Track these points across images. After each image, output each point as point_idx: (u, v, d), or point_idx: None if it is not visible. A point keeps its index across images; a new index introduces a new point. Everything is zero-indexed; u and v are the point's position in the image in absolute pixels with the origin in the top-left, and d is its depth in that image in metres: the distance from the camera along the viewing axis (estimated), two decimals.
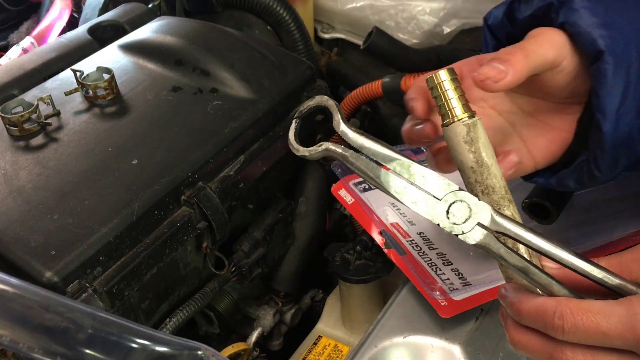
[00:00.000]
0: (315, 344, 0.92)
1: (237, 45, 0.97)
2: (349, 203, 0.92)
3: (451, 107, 0.54)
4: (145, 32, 1.01)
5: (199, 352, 0.51)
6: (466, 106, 0.54)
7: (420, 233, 0.86)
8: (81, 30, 1.09)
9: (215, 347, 0.96)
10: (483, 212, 0.49)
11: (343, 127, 0.50)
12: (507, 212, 0.54)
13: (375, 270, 0.86)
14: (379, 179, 0.50)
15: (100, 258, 0.70)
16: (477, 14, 1.23)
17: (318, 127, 1.00)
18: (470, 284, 0.78)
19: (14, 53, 1.28)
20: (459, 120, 0.54)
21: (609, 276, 0.47)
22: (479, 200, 0.49)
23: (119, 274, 0.72)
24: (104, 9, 1.31)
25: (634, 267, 0.48)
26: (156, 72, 0.93)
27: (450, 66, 0.58)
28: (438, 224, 0.50)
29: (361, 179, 0.96)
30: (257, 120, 0.89)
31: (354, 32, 1.31)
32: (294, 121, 0.51)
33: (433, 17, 1.22)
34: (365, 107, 1.30)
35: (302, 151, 0.51)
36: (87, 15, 1.34)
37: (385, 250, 0.84)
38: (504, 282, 0.77)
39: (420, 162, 0.95)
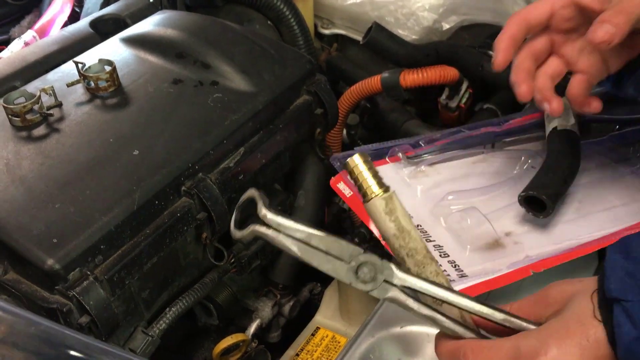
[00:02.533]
0: (313, 334, 0.93)
1: (237, 39, 0.98)
2: (348, 196, 0.93)
3: (368, 185, 0.60)
4: (147, 25, 1.02)
5: None
6: (381, 183, 0.61)
7: (418, 225, 0.87)
8: (83, 23, 1.10)
9: (214, 338, 0.98)
10: (387, 270, 0.57)
11: (264, 212, 0.55)
12: (430, 268, 0.60)
13: None
14: (293, 250, 0.56)
15: (102, 246, 0.71)
16: (476, 10, 1.25)
17: (317, 122, 1.01)
18: (467, 276, 0.79)
19: (16, 46, 1.29)
20: (376, 195, 0.60)
21: (508, 318, 0.56)
22: (404, 262, 0.59)
23: (119, 262, 0.73)
24: (105, 3, 1.31)
25: (531, 310, 0.58)
26: (157, 65, 0.94)
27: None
28: (350, 283, 0.57)
29: None
30: (256, 113, 0.90)
31: (354, 28, 1.32)
32: (234, 211, 0.58)
33: (432, 14, 1.23)
34: (365, 102, 1.31)
35: (237, 234, 0.57)
36: (88, 10, 1.35)
37: (383, 242, 0.84)
38: (500, 274, 0.79)
39: (418, 156, 0.94)
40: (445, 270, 0.79)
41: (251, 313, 1.01)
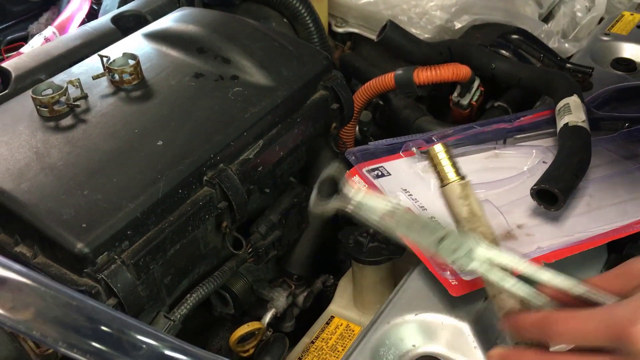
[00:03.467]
0: (327, 323, 0.95)
1: (256, 35, 1.01)
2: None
3: (447, 172, 0.69)
4: (168, 21, 1.05)
5: None
6: (458, 172, 0.69)
7: (431, 217, 0.89)
8: (104, 19, 1.13)
9: (229, 327, 1.00)
10: (469, 242, 0.61)
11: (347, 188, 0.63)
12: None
13: (388, 252, 0.90)
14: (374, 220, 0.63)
15: (128, 232, 0.74)
16: (488, 10, 1.27)
17: (333, 116, 1.03)
18: None
19: (36, 42, 1.32)
20: (453, 181, 0.69)
21: (591, 291, 0.57)
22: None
23: (145, 247, 0.75)
24: (123, 2, 1.34)
25: (613, 284, 0.57)
26: (179, 60, 0.96)
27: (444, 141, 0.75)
28: (435, 252, 0.62)
29: (375, 166, 0.99)
30: (275, 107, 0.92)
31: (367, 27, 1.34)
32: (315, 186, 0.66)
33: (445, 13, 1.26)
34: (377, 100, 1.33)
35: (319, 208, 0.65)
36: (107, 7, 1.38)
37: None
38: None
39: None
40: None
41: (266, 303, 1.03)
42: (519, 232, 0.86)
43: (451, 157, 0.70)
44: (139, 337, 0.54)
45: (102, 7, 1.40)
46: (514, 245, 0.84)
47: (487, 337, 0.77)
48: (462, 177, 0.69)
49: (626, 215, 0.88)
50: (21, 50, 1.29)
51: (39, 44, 1.32)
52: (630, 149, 1.01)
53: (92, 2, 1.50)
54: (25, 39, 1.56)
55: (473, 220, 0.67)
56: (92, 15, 1.50)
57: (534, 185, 0.85)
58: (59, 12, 1.51)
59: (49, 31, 1.35)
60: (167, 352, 0.54)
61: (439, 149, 0.70)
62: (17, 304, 0.55)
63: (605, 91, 1.12)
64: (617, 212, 0.89)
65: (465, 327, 0.78)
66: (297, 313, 1.08)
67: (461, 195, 0.68)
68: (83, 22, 1.44)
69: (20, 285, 0.56)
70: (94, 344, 0.53)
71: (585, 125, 0.95)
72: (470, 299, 0.80)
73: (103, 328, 0.55)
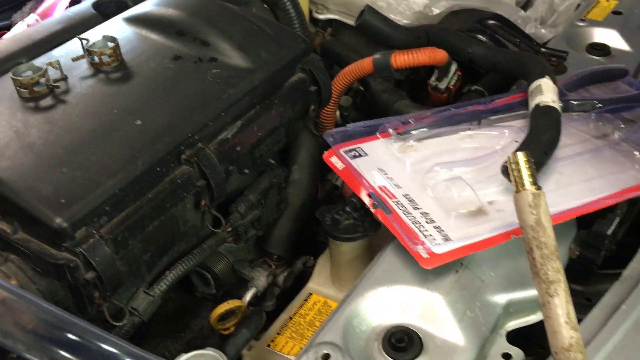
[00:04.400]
0: (306, 300, 0.97)
1: (235, 19, 1.02)
2: (340, 169, 0.97)
3: (523, 180, 0.72)
4: (148, 5, 1.07)
5: None
6: (534, 181, 0.72)
7: (406, 195, 0.91)
8: (86, 4, 1.14)
9: (211, 307, 1.02)
10: None
11: None
12: (553, 264, 0.68)
13: (364, 229, 0.92)
14: None
15: (106, 208, 0.76)
16: None
17: (311, 99, 1.05)
18: (451, 240, 0.83)
19: (19, 29, 1.33)
20: (526, 189, 0.71)
21: None
22: (531, 251, 0.69)
23: (123, 223, 0.77)
24: None
25: None
26: (158, 42, 0.98)
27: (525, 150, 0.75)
28: None
29: (352, 147, 1.01)
30: (253, 89, 0.94)
31: (348, 13, 1.36)
32: None
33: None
34: (358, 85, 1.35)
35: None
36: None
37: (373, 210, 0.89)
38: (482, 238, 0.83)
39: (407, 132, 0.98)
40: (430, 235, 0.84)
41: (247, 283, 1.05)
42: (490, 208, 0.88)
43: (531, 167, 0.73)
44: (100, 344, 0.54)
45: None
46: (485, 221, 0.86)
47: (457, 308, 0.80)
48: (538, 187, 0.72)
49: (594, 191, 0.91)
50: (3, 37, 1.30)
51: (21, 31, 1.33)
52: (601, 129, 1.04)
53: None
54: (9, 28, 1.57)
55: (538, 229, 0.70)
56: (74, 3, 1.51)
57: (504, 163, 0.87)
58: (42, 1, 1.52)
59: (31, 18, 1.37)
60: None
61: (520, 156, 0.73)
62: None
63: (578, 74, 1.14)
64: (586, 189, 0.91)
65: (436, 298, 0.80)
66: (278, 293, 1.10)
67: (531, 204, 0.70)
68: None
69: None
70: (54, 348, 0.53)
71: (556, 105, 0.97)
72: (442, 272, 0.82)
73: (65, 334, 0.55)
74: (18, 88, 0.86)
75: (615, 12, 1.42)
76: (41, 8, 1.42)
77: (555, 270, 0.69)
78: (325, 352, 0.74)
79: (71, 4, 1.49)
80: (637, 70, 1.29)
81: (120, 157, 0.79)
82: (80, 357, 0.53)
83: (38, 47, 1.02)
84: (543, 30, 1.33)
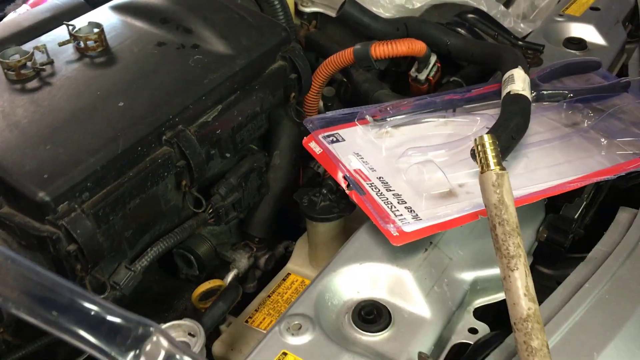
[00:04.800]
0: (284, 279, 1.00)
1: (218, 7, 1.06)
2: (318, 153, 1.01)
3: (488, 161, 0.76)
4: None
5: (151, 329, 0.53)
6: (498, 162, 0.75)
7: (379, 177, 0.94)
8: None
9: (194, 288, 1.06)
10: None
11: None
12: (514, 240, 0.72)
13: (339, 210, 0.95)
14: None
15: (88, 184, 0.79)
16: None
17: (291, 86, 1.09)
18: (421, 219, 0.87)
19: (9, 18, 1.36)
20: (491, 170, 0.75)
21: None
22: (494, 229, 0.73)
23: (104, 199, 0.80)
24: None
25: None
26: (143, 29, 1.01)
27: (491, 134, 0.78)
28: None
29: (330, 133, 1.05)
30: (234, 74, 0.97)
31: (331, 7, 1.39)
32: None
33: None
34: (341, 77, 1.39)
35: None
36: None
37: (347, 192, 0.92)
38: (450, 218, 0.87)
39: (384, 119, 1.02)
40: (401, 214, 0.87)
41: (229, 265, 1.09)
42: (460, 190, 0.92)
43: (496, 149, 0.76)
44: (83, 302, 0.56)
45: None
46: (454, 202, 0.90)
47: (425, 283, 0.83)
48: (501, 168, 0.76)
49: (561, 175, 0.94)
50: None
51: (12, 20, 1.36)
52: (571, 118, 1.08)
53: None
54: (1, 19, 1.60)
55: (500, 207, 0.73)
56: None
57: (473, 147, 0.90)
58: None
59: (23, 9, 1.39)
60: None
61: (486, 139, 0.76)
62: None
63: (551, 66, 1.18)
64: (553, 173, 0.95)
65: (405, 274, 0.83)
66: (259, 275, 1.13)
67: (495, 184, 0.74)
68: None
69: None
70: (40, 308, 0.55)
71: (526, 93, 1.01)
72: (412, 250, 0.86)
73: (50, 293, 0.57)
74: (5, 70, 0.89)
75: (593, 8, 1.46)
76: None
77: (516, 246, 0.72)
78: (297, 322, 0.77)
79: None
80: (612, 63, 1.33)
81: (102, 136, 0.82)
82: (69, 316, 0.55)
83: (27, 34, 1.05)
84: (522, 25, 1.37)
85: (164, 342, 0.51)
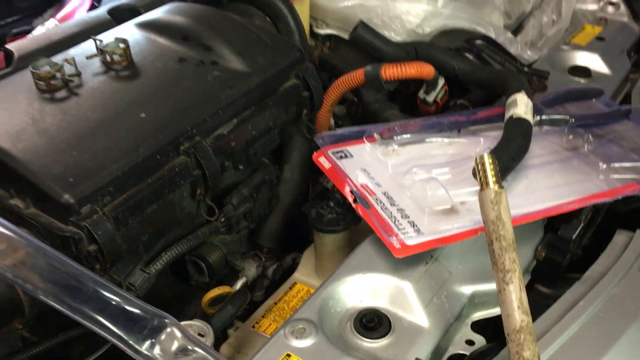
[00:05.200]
0: (291, 288, 1.05)
1: (236, 27, 1.12)
2: (327, 168, 1.05)
3: (487, 179, 0.79)
4: (158, 12, 1.16)
5: (166, 321, 0.58)
6: (497, 181, 0.79)
7: (385, 193, 0.99)
8: (101, 10, 1.24)
9: (204, 294, 1.10)
10: None
11: None
12: (510, 255, 0.76)
13: (345, 222, 1.00)
14: None
15: (110, 189, 0.84)
16: (454, 18, 1.38)
17: (304, 103, 1.14)
18: (423, 233, 0.91)
19: (38, 32, 1.43)
20: (489, 188, 0.79)
21: None
22: (491, 244, 0.77)
23: (124, 204, 0.85)
24: None
25: None
26: (165, 46, 1.07)
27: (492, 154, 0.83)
28: None
29: (339, 149, 1.10)
30: (249, 90, 1.03)
31: (345, 29, 1.45)
32: None
33: (415, 18, 1.37)
34: (352, 97, 1.44)
35: None
36: (107, 3, 1.49)
37: (354, 205, 0.97)
38: (450, 233, 0.91)
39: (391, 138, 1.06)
40: (404, 228, 0.92)
41: (238, 274, 1.13)
42: (462, 208, 0.96)
43: (495, 168, 0.80)
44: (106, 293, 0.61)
45: (103, 2, 1.51)
46: (455, 218, 0.94)
47: (425, 295, 0.87)
48: (500, 186, 0.79)
49: (560, 197, 0.98)
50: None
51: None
52: (572, 142, 1.12)
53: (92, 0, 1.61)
54: (29, 32, 1.67)
55: (498, 223, 0.77)
56: (93, 8, 1.61)
57: (474, 166, 0.95)
58: (61, 8, 1.63)
59: (51, 23, 1.47)
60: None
61: (486, 158, 0.81)
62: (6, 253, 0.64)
63: (555, 92, 1.22)
64: (552, 195, 0.99)
65: (406, 286, 0.88)
66: (267, 284, 1.17)
67: (494, 201, 0.78)
68: None
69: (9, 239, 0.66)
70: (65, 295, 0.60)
71: (528, 117, 1.05)
72: (413, 263, 0.90)
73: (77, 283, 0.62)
74: (36, 80, 0.95)
75: (599, 38, 1.51)
76: (61, 14, 1.52)
77: (511, 261, 0.76)
78: (302, 326, 0.81)
79: (90, 10, 1.60)
80: (616, 92, 1.38)
81: (124, 145, 0.88)
82: (92, 304, 0.60)
83: (56, 47, 1.11)
84: (529, 52, 1.42)
85: (178, 334, 0.56)
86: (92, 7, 1.61)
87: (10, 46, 1.10)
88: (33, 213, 0.84)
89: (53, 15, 1.69)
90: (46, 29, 1.45)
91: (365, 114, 1.35)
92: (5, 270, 0.67)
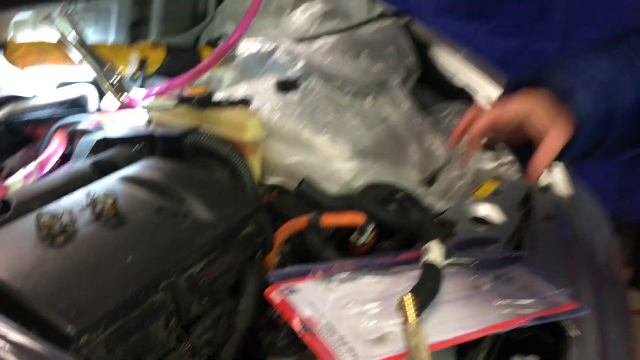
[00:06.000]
0: None
1: (205, 182, 1.36)
2: (277, 302, 1.26)
3: (407, 314, 1.05)
4: (137, 167, 1.39)
5: None
6: (416, 316, 1.06)
7: (327, 323, 1.20)
8: (85, 163, 1.46)
9: None
10: None
11: None
12: None
13: (295, 349, 1.20)
14: None
15: (104, 321, 1.01)
16: (379, 174, 1.69)
17: (258, 246, 1.36)
18: (360, 357, 1.12)
19: (19, 175, 1.62)
20: (410, 322, 1.05)
21: None
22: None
23: (114, 334, 1.02)
24: (94, 149, 1.67)
25: None
26: (144, 198, 1.29)
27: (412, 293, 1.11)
28: None
29: (288, 285, 1.31)
30: (215, 237, 1.25)
31: (291, 180, 1.72)
32: None
33: (348, 174, 1.66)
34: (296, 238, 1.68)
35: None
36: (79, 152, 1.70)
37: (300, 335, 1.17)
38: (384, 357, 1.12)
39: (332, 275, 1.30)
40: (344, 354, 1.12)
41: None
42: (390, 336, 1.17)
43: (414, 305, 1.07)
44: None
45: (75, 152, 1.72)
46: (385, 345, 1.15)
47: None
48: (419, 320, 1.04)
49: (466, 327, 1.22)
50: (8, 181, 1.58)
51: (21, 177, 1.62)
52: (475, 282, 1.38)
53: (65, 147, 1.82)
54: (0, 170, 1.84)
55: (416, 352, 1.02)
56: (64, 156, 1.80)
57: (398, 302, 1.19)
58: (36, 152, 1.82)
59: (30, 167, 1.66)
60: None
61: (407, 297, 1.08)
62: None
63: (460, 239, 1.51)
64: (460, 326, 1.23)
65: None
66: None
67: (413, 332, 1.03)
68: (57, 163, 1.75)
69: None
70: None
71: (439, 262, 1.32)
72: None
73: None
74: (39, 228, 1.14)
75: (496, 192, 1.84)
76: (38, 160, 1.71)
77: None
78: None
79: (61, 157, 1.79)
80: (511, 237, 1.68)
81: (115, 284, 1.06)
82: None
83: (48, 195, 1.31)
84: (440, 203, 1.72)
85: None
86: (63, 155, 1.80)
87: (9, 195, 1.28)
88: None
89: (25, 156, 1.87)
90: (26, 172, 1.64)
91: (307, 253, 1.58)
92: None
